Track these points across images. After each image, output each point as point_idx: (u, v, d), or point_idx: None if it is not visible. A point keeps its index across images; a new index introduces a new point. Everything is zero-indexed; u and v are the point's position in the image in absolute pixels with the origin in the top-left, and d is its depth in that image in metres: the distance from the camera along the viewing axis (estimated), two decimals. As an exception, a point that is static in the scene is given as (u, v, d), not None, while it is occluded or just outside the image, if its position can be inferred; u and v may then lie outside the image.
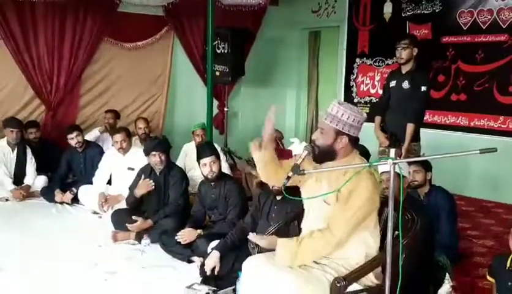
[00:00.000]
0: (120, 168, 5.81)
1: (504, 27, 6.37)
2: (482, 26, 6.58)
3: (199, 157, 4.59)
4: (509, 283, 2.93)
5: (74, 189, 6.05)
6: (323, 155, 2.80)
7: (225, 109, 8.42)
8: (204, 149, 4.65)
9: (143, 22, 7.80)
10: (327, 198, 2.77)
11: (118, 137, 5.79)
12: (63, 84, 7.34)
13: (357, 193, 2.65)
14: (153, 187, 5.00)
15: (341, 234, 2.69)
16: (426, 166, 4.35)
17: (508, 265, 2.97)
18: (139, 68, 7.86)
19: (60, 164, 6.38)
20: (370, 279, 2.83)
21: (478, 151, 2.25)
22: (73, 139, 6.24)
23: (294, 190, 3.01)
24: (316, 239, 2.73)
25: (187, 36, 8.21)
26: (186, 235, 4.45)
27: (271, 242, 2.98)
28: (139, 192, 5.02)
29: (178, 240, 4.45)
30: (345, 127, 2.71)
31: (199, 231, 4.38)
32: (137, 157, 5.59)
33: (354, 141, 2.78)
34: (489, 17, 6.51)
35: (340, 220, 2.69)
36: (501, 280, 3.04)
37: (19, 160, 6.42)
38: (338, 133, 2.72)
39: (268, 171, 2.98)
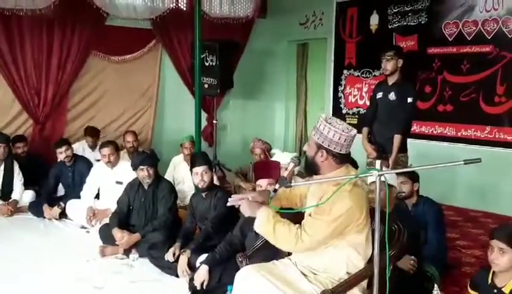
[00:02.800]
0: (109, 182, 5.78)
1: (489, 38, 6.44)
2: (467, 37, 6.65)
3: (193, 165, 4.61)
4: None
5: (62, 204, 6.00)
6: (308, 166, 2.86)
7: (214, 121, 8.42)
8: (199, 158, 4.67)
9: (131, 35, 7.81)
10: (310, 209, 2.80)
11: (106, 151, 5.76)
12: (51, 98, 7.32)
13: (337, 205, 2.65)
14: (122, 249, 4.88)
15: (311, 238, 2.69)
16: (413, 177, 4.36)
17: (490, 281, 2.97)
18: (127, 81, 7.86)
19: (48, 178, 6.33)
20: (356, 292, 2.82)
21: (463, 162, 2.27)
22: (62, 153, 6.20)
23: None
24: (287, 232, 2.73)
25: (175, 49, 8.23)
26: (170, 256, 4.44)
27: (250, 206, 2.92)
28: (115, 235, 4.85)
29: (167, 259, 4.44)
30: (325, 141, 2.72)
31: (188, 251, 4.33)
32: (125, 171, 5.57)
33: (338, 157, 2.76)
34: (474, 28, 6.58)
35: (315, 226, 2.69)
36: (483, 293, 3.04)
37: (6, 174, 6.36)
38: (319, 147, 2.75)
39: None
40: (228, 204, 3.09)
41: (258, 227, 2.82)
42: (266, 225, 2.77)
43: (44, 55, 7.23)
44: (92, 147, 6.99)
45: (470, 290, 3.18)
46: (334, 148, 2.72)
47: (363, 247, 2.80)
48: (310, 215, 2.78)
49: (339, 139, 2.70)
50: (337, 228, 2.68)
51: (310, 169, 2.86)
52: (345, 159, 2.80)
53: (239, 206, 2.98)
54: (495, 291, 2.93)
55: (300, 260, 2.94)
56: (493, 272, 2.96)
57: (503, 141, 6.36)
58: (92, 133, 7.08)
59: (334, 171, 2.78)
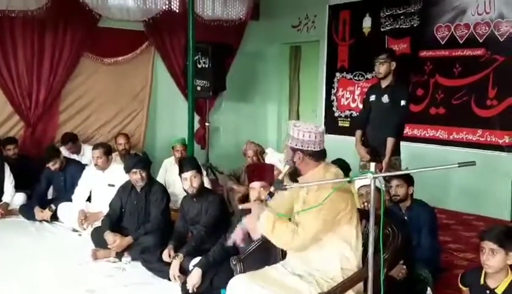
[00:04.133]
0: (100, 185, 5.73)
1: (481, 41, 6.47)
2: (459, 40, 6.68)
3: (181, 171, 4.57)
4: None
5: (53, 206, 5.95)
6: (291, 174, 2.97)
7: (206, 124, 8.40)
8: (186, 163, 4.64)
9: (124, 37, 7.79)
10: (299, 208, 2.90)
11: (95, 153, 5.73)
12: (42, 100, 7.28)
13: (321, 196, 2.73)
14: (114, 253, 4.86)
15: (305, 231, 2.77)
16: (408, 180, 4.36)
17: (482, 281, 2.99)
18: (119, 83, 7.83)
19: (40, 181, 6.27)
20: (352, 294, 2.84)
21: (457, 165, 2.27)
22: (53, 166, 6.12)
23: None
24: (285, 229, 2.81)
25: (167, 51, 8.21)
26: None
27: (256, 212, 2.95)
28: (108, 239, 4.82)
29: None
30: (298, 143, 2.85)
31: (180, 255, 4.31)
32: (117, 174, 5.53)
33: (314, 155, 2.87)
34: (466, 31, 6.61)
35: (308, 219, 2.77)
36: (475, 293, 3.05)
37: (-4, 177, 6.32)
38: (294, 150, 2.87)
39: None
40: (240, 207, 3.21)
41: (260, 228, 2.88)
42: (266, 224, 2.83)
43: (36, 57, 7.20)
44: (76, 152, 6.93)
45: (460, 285, 3.19)
46: (308, 147, 2.84)
47: (354, 241, 2.86)
48: (297, 213, 2.89)
49: (309, 137, 2.82)
50: (326, 217, 2.75)
51: (293, 175, 2.97)
52: (321, 156, 2.92)
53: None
54: (488, 292, 2.94)
55: (294, 260, 2.97)
56: (486, 273, 2.98)
57: (494, 144, 6.38)
58: (64, 140, 6.95)
59: (315, 169, 2.89)
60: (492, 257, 2.88)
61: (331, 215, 2.76)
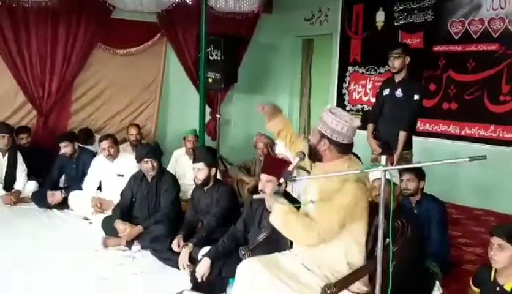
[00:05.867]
0: (110, 175, 5.78)
1: (495, 36, 6.41)
2: (473, 35, 6.63)
3: (193, 160, 4.61)
4: None
5: (64, 191, 6.02)
6: (311, 154, 2.93)
7: (217, 116, 8.42)
8: (197, 154, 4.68)
9: (136, 28, 7.80)
10: (312, 197, 2.85)
11: (104, 144, 5.77)
12: (55, 90, 7.33)
13: (341, 193, 2.69)
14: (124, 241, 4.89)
15: (322, 228, 2.71)
16: (420, 175, 4.35)
17: (492, 278, 2.98)
18: (131, 74, 7.85)
19: (53, 169, 6.34)
20: (358, 286, 2.84)
21: (468, 159, 2.27)
22: (62, 148, 6.19)
23: (285, 196, 3.04)
24: (300, 224, 2.77)
25: (180, 43, 8.22)
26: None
27: (269, 202, 2.97)
28: (118, 228, 4.87)
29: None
30: (328, 131, 2.80)
31: (190, 245, 4.33)
32: (126, 164, 5.59)
33: (340, 147, 2.82)
34: (480, 26, 6.56)
35: (324, 215, 2.72)
36: (487, 291, 3.05)
37: (9, 165, 6.38)
38: (322, 135, 2.82)
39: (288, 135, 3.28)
40: (254, 197, 3.24)
41: (273, 220, 2.87)
42: (280, 217, 2.81)
43: (49, 47, 7.24)
44: (91, 143, 6.96)
45: (472, 286, 3.20)
46: (336, 138, 2.79)
47: (361, 237, 2.85)
48: (312, 202, 2.83)
49: (341, 129, 2.77)
50: (345, 215, 2.72)
51: (313, 156, 2.93)
52: (347, 149, 2.87)
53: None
54: (498, 288, 2.95)
55: (302, 252, 2.96)
56: (496, 270, 2.98)
57: (507, 139, 6.33)
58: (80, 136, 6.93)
59: (336, 161, 2.85)
60: (500, 252, 2.89)
61: (351, 213, 2.73)
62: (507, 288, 2.91)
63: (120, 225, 4.83)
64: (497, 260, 2.90)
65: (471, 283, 3.21)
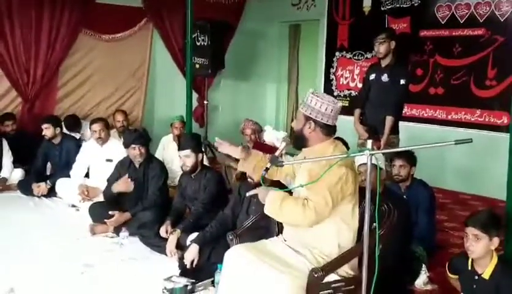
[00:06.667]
0: (98, 160, 5.76)
1: (481, 21, 6.43)
2: (459, 20, 6.64)
3: (178, 148, 4.59)
4: (474, 286, 2.98)
5: (49, 182, 5.98)
6: (296, 140, 2.96)
7: (205, 102, 8.39)
8: (183, 141, 4.67)
9: (122, 13, 7.72)
10: (302, 182, 2.84)
11: (96, 127, 5.76)
12: (40, 76, 7.25)
13: (330, 171, 2.68)
14: (132, 187, 4.94)
15: (319, 203, 2.72)
16: (411, 161, 4.38)
17: (470, 267, 3.01)
18: (117, 60, 7.79)
19: (37, 157, 6.29)
20: (346, 270, 2.86)
21: (454, 142, 2.28)
22: (45, 130, 6.13)
23: (275, 183, 3.04)
24: (294, 205, 2.78)
25: (166, 28, 8.16)
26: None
27: (262, 194, 2.96)
28: (117, 188, 4.97)
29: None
30: (313, 112, 2.83)
31: (178, 231, 4.33)
32: (115, 149, 5.55)
33: (325, 128, 2.85)
34: (467, 11, 6.57)
35: (318, 191, 2.73)
36: (465, 279, 3.08)
37: (-5, 152, 6.33)
38: (307, 118, 2.85)
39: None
40: (248, 194, 3.15)
41: (267, 209, 2.87)
42: (273, 203, 2.81)
43: (33, 33, 7.15)
44: (77, 131, 6.94)
45: (449, 273, 3.22)
46: (321, 119, 2.82)
47: (351, 218, 2.87)
48: (301, 186, 2.83)
49: (326, 110, 2.80)
50: (336, 193, 2.74)
51: (298, 142, 2.96)
52: (331, 131, 2.90)
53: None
54: (476, 277, 2.97)
55: (291, 235, 2.97)
56: (472, 259, 2.99)
57: (493, 124, 6.38)
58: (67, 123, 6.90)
59: (322, 143, 2.87)
60: (476, 243, 2.89)
61: (343, 189, 2.75)
62: (485, 276, 2.93)
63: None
64: (473, 250, 2.91)
65: (447, 269, 3.23)
